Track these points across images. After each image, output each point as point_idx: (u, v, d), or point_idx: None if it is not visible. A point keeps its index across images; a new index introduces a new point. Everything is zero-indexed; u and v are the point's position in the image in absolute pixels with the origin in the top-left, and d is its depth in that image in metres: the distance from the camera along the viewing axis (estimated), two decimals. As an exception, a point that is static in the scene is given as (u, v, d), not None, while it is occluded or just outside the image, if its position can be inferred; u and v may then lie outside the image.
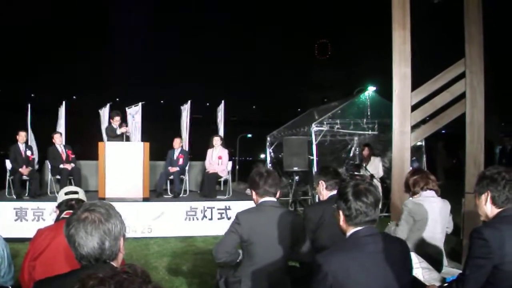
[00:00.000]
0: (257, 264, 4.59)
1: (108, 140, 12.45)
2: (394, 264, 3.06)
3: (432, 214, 5.41)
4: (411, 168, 7.14)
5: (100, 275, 1.34)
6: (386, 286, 3.01)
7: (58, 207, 4.28)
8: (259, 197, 4.78)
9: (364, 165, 12.89)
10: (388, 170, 12.64)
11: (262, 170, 4.88)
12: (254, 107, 75.44)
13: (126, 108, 15.64)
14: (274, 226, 4.61)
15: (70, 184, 11.86)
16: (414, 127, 7.91)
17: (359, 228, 3.15)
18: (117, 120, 12.77)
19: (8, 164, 11.79)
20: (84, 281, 1.34)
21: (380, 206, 3.33)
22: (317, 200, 12.97)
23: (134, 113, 15.67)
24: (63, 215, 4.08)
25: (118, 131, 12.49)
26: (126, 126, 13.16)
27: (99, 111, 16.44)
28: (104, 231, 2.40)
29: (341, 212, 3.23)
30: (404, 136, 7.62)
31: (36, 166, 12.80)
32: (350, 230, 3.19)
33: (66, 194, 4.30)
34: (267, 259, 4.58)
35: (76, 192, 4.31)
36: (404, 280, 3.10)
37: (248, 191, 5.06)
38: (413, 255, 3.70)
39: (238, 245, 4.72)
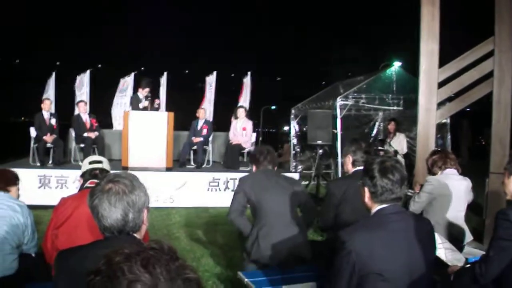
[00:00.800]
0: (267, 222, 5.04)
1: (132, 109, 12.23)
2: (419, 242, 3.01)
3: (455, 192, 5.38)
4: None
5: (126, 250, 1.31)
6: (410, 264, 2.96)
7: (82, 176, 4.27)
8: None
9: (388, 140, 12.79)
10: (412, 146, 12.55)
11: (263, 149, 5.52)
12: (278, 79, 75.32)
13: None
14: (274, 185, 5.22)
15: (94, 152, 11.92)
16: (440, 104, 7.83)
17: (384, 205, 3.11)
18: (145, 91, 12.29)
19: (33, 131, 11.83)
20: (110, 257, 1.31)
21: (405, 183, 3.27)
22: (339, 174, 12.98)
23: (162, 82, 15.71)
24: (86, 184, 4.07)
25: (141, 104, 12.12)
26: (158, 99, 12.99)
27: (121, 79, 16.44)
28: (127, 202, 2.36)
29: (366, 189, 3.18)
30: (429, 113, 7.55)
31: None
32: (375, 207, 3.15)
33: (90, 163, 4.28)
34: (275, 216, 5.04)
35: (100, 162, 4.29)
36: (429, 258, 3.06)
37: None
38: (436, 235, 3.65)
39: (247, 210, 5.28)
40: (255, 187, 5.22)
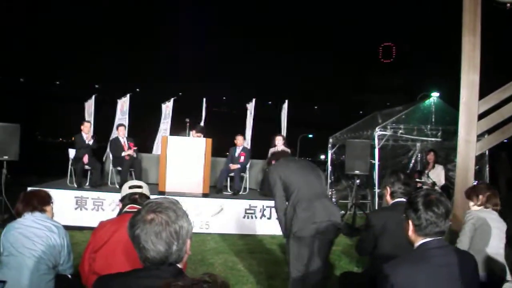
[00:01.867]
0: (302, 196, 5.43)
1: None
2: (463, 278, 2.94)
3: (495, 225, 5.30)
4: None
5: (180, 283, 1.28)
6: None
7: (122, 200, 4.25)
8: None
9: (426, 172, 12.66)
10: (450, 178, 12.41)
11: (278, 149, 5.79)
12: (316, 107, 75.35)
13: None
14: (302, 165, 5.96)
15: (131, 175, 11.99)
16: (479, 136, 7.73)
17: (428, 239, 3.05)
18: (197, 135, 12.48)
19: (71, 152, 11.93)
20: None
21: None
22: (376, 204, 12.87)
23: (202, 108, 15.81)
24: (126, 209, 4.06)
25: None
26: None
27: (162, 105, 16.56)
28: (171, 234, 2.29)
29: (410, 222, 3.12)
30: (469, 145, 7.45)
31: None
32: (419, 241, 3.09)
33: (130, 187, 4.26)
34: (309, 190, 5.50)
35: (140, 187, 4.27)
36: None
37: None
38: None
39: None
40: (285, 170, 5.70)
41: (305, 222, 5.28)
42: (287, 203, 5.59)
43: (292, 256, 5.43)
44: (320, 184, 5.69)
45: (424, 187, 11.30)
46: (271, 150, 12.70)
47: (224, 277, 5.52)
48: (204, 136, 12.33)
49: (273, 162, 6.19)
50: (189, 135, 12.33)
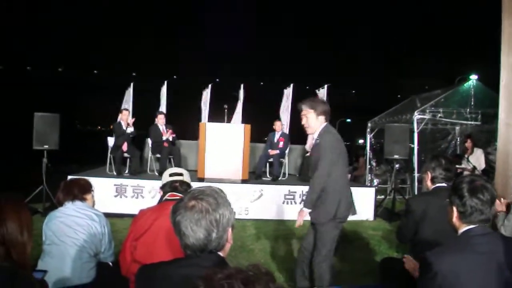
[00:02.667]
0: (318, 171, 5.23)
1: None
2: (509, 266, 2.86)
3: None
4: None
5: (225, 271, 1.27)
6: (498, 289, 2.82)
7: (162, 188, 4.23)
8: None
9: (466, 156, 12.49)
10: (490, 162, 12.24)
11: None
12: (353, 92, 74.95)
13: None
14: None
15: (170, 163, 12.03)
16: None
17: (472, 226, 2.99)
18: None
19: (110, 141, 12.04)
20: (210, 276, 1.28)
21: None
22: (415, 189, 12.75)
23: (237, 94, 15.75)
24: (166, 197, 4.04)
25: None
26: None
27: (203, 92, 16.58)
28: (211, 221, 2.28)
29: (454, 209, 3.06)
30: (509, 129, 7.27)
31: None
32: (462, 228, 3.03)
33: (170, 175, 4.24)
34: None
35: (180, 174, 4.24)
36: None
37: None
38: None
39: None
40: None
41: (345, 210, 5.27)
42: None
43: (331, 240, 5.36)
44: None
45: (465, 172, 11.18)
46: (310, 136, 12.67)
47: (264, 263, 5.54)
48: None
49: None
50: (228, 121, 12.36)
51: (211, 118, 14.83)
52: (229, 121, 12.30)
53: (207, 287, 1.23)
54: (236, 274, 1.24)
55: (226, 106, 12.52)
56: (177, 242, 2.41)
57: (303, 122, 5.33)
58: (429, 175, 4.88)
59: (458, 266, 2.79)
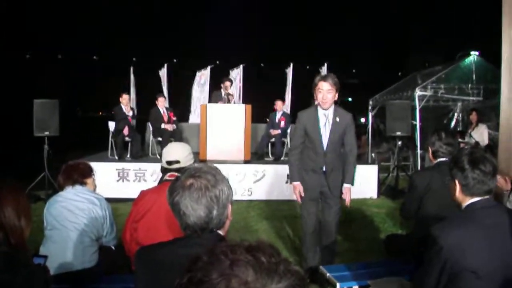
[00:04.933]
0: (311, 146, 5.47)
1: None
2: (515, 239, 2.83)
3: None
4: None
5: (227, 242, 1.25)
6: (506, 262, 2.79)
7: (162, 170, 4.22)
8: None
9: (469, 131, 12.45)
10: (493, 138, 12.20)
11: None
12: (354, 70, 74.83)
13: (230, 71, 15.72)
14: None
15: (172, 145, 12.03)
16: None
17: (476, 199, 2.96)
18: (227, 85, 12.55)
19: (111, 125, 12.02)
20: (213, 247, 1.26)
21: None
22: (418, 166, 12.75)
23: (235, 75, 15.70)
24: (166, 177, 4.03)
25: (221, 102, 12.30)
26: (232, 96, 13.02)
27: (197, 72, 16.55)
28: (211, 198, 2.23)
29: (457, 182, 3.02)
30: (512, 104, 7.24)
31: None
32: (467, 201, 3.00)
33: (167, 163, 4.21)
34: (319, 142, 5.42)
35: (177, 162, 4.20)
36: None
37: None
38: None
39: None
40: (306, 124, 5.57)
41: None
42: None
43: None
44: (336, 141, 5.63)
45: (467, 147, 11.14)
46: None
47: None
48: (231, 85, 12.63)
49: None
50: (224, 96, 12.34)
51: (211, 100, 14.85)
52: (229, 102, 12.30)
53: (210, 256, 1.21)
54: (240, 243, 1.23)
55: (231, 92, 12.53)
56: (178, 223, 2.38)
57: (325, 97, 5.31)
58: (430, 149, 4.86)
59: (463, 239, 2.77)
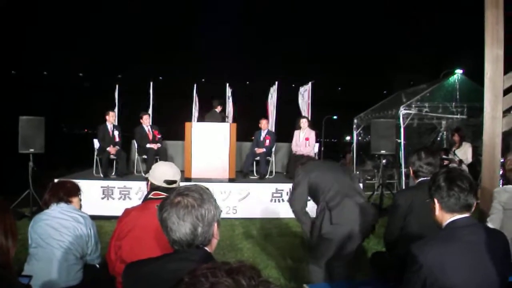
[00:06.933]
0: (327, 196, 5.16)
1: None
2: (494, 257, 2.88)
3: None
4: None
5: (210, 265, 1.29)
6: (484, 281, 2.84)
7: (150, 184, 4.23)
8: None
9: (453, 149, 12.54)
10: (477, 155, 12.31)
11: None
12: (339, 88, 75.16)
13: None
14: (333, 166, 5.76)
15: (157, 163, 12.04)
16: (505, 112, 7.60)
17: (456, 217, 3.01)
18: (219, 108, 13.17)
19: (96, 143, 12.04)
20: (195, 269, 1.30)
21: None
22: (403, 184, 12.83)
23: (226, 96, 15.80)
24: (150, 196, 4.04)
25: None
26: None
27: (194, 92, 16.62)
28: (196, 216, 2.34)
29: (436, 201, 3.09)
30: (495, 121, 7.31)
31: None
32: (447, 219, 3.05)
33: (165, 182, 4.24)
34: (343, 190, 5.18)
35: (174, 182, 4.23)
36: (503, 274, 2.92)
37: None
38: None
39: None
40: (316, 170, 5.46)
41: (334, 225, 5.10)
42: (317, 206, 5.36)
43: (318, 254, 5.34)
44: (355, 185, 5.54)
45: (451, 164, 11.23)
46: (296, 132, 12.69)
47: (253, 262, 5.55)
48: (223, 109, 12.91)
49: (299, 166, 5.77)
50: (214, 115, 12.55)
51: (200, 119, 14.88)
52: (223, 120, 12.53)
53: (191, 278, 1.25)
54: (220, 266, 1.27)
55: (224, 114, 12.71)
56: (163, 240, 2.47)
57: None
58: (411, 169, 4.91)
59: (443, 257, 2.81)
